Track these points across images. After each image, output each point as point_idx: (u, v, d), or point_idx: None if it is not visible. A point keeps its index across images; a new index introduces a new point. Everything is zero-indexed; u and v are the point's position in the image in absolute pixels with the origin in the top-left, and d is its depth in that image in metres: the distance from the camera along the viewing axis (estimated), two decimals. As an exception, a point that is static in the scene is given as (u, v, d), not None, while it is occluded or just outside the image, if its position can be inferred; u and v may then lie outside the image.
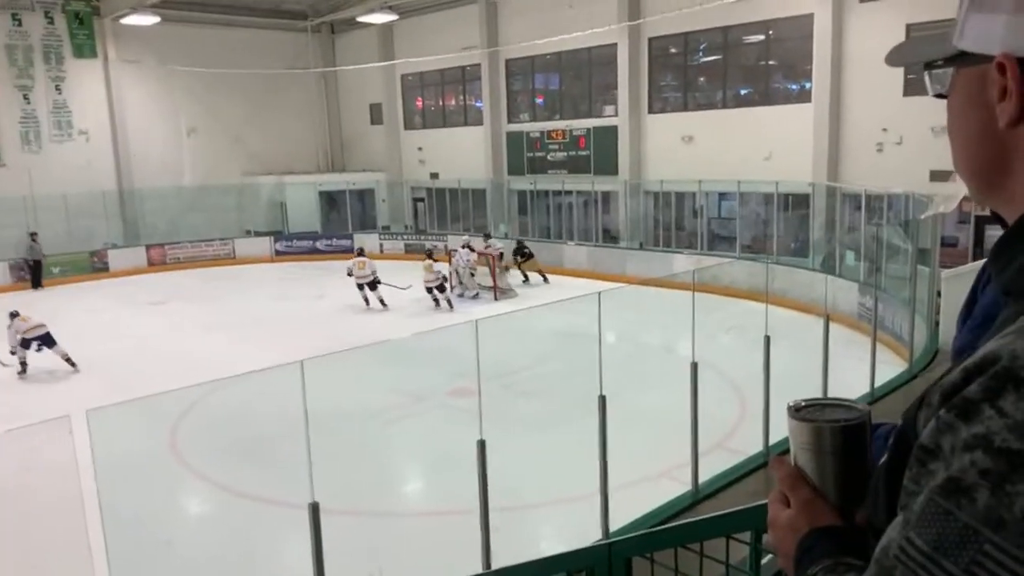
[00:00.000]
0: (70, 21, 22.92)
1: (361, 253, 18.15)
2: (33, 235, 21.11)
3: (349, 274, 17.26)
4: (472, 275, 18.00)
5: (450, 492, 7.51)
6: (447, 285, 17.16)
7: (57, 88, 22.87)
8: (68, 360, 12.97)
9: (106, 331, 15.41)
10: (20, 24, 22.09)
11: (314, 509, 4.71)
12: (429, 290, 16.77)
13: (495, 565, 5.30)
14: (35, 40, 22.37)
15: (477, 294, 17.82)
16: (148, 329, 15.59)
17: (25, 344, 12.79)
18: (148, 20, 22.61)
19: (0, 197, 21.03)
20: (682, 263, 17.52)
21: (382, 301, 16.91)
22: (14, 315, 13.01)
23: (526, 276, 19.50)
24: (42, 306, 15.74)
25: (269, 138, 26.93)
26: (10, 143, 22.12)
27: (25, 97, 22.30)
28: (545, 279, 19.29)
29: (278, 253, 24.85)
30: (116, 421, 7.13)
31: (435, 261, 17.34)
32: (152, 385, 10.79)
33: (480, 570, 5.32)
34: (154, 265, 23.26)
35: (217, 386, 9.68)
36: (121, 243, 23.64)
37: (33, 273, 21.10)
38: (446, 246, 18.90)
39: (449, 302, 16.83)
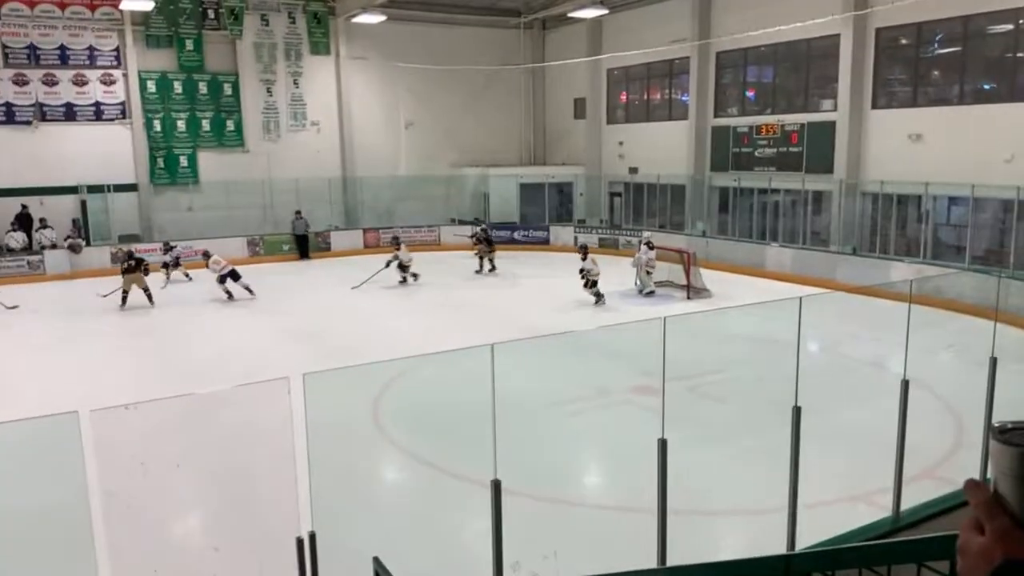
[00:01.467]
0: (309, 21, 25.20)
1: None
2: (298, 212, 23.72)
3: (396, 259, 19.16)
4: (649, 273, 17.65)
5: (629, 488, 7.47)
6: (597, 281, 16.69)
7: (295, 82, 25.26)
8: (248, 289, 17.03)
9: (325, 304, 16.86)
10: (267, 24, 24.64)
11: (496, 486, 4.88)
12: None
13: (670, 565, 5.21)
14: (279, 38, 24.85)
15: (652, 291, 17.47)
16: (360, 305, 16.86)
17: (222, 279, 16.99)
18: (376, 19, 24.31)
19: (244, 180, 23.78)
20: (901, 271, 16.13)
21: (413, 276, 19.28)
22: (207, 255, 17.75)
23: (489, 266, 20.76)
24: (287, 276, 17.48)
25: (478, 132, 28.07)
26: (254, 131, 24.76)
27: (268, 90, 24.85)
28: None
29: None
30: (328, 386, 7.82)
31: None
32: (360, 357, 11.69)
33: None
34: (369, 247, 25.06)
35: (416, 363, 10.30)
36: (342, 226, 25.72)
37: (300, 245, 23.77)
38: (640, 241, 18.70)
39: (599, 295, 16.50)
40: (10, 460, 6.40)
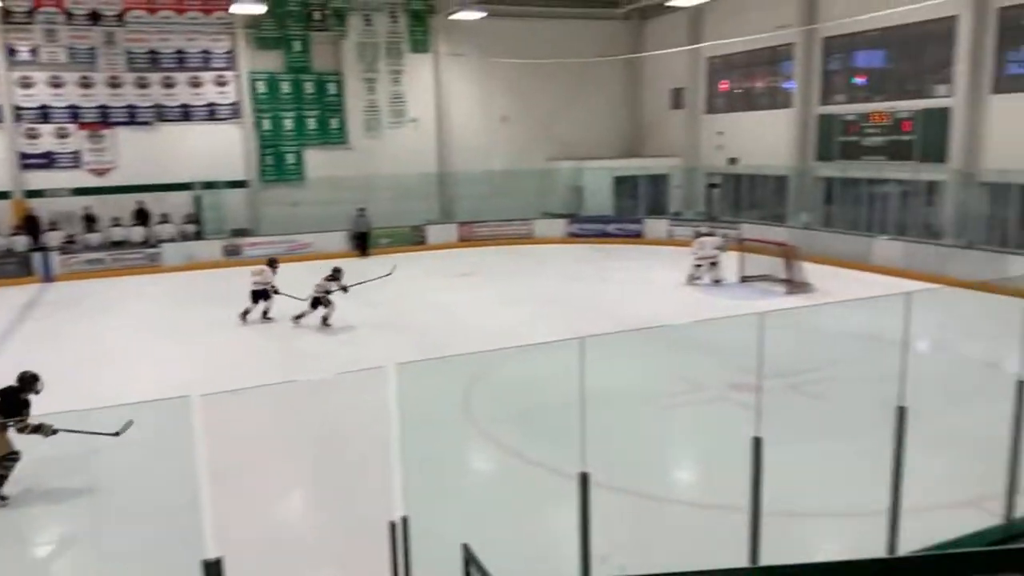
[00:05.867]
0: (410, 19, 25.75)
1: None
2: (361, 210, 24.07)
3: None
4: (709, 266, 17.99)
5: (722, 485, 7.33)
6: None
7: (395, 80, 25.87)
8: (265, 315, 14.98)
9: (419, 298, 17.22)
10: (370, 24, 25.32)
11: (583, 479, 4.90)
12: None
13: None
14: (381, 38, 25.51)
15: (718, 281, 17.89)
16: (454, 298, 17.16)
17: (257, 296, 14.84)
18: (475, 15, 24.46)
19: (346, 176, 24.52)
20: (1021, 266, 15.13)
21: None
22: (272, 263, 15.48)
23: None
24: (361, 270, 17.94)
25: (574, 125, 28.02)
26: (356, 129, 25.52)
27: (370, 89, 25.55)
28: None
29: (571, 235, 25.82)
30: (421, 376, 8.02)
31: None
32: (453, 348, 11.92)
33: (744, 568, 5.14)
34: (464, 241, 25.43)
35: (508, 355, 10.42)
36: (437, 219, 26.19)
37: (360, 242, 24.02)
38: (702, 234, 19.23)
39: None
40: (130, 437, 6.88)
